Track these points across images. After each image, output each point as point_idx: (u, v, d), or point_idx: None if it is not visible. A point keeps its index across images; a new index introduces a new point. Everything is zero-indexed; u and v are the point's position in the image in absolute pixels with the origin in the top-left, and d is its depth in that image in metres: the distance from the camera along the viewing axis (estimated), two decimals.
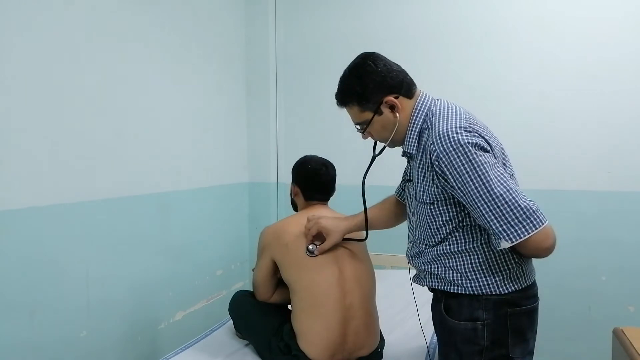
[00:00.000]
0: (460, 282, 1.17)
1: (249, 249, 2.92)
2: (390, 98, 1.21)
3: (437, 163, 1.11)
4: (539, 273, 1.25)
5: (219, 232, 2.64)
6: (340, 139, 2.67)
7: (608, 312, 2.31)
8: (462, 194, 1.09)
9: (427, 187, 1.18)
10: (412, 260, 1.32)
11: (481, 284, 1.14)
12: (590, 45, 2.31)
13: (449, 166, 1.09)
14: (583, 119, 2.34)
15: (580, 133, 2.34)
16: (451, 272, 1.18)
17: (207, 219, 2.53)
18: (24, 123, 1.53)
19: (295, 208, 1.76)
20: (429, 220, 1.21)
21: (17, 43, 1.51)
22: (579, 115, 2.34)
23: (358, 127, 1.30)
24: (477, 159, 1.06)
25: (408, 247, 1.36)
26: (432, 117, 1.18)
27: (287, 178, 2.40)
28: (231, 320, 1.80)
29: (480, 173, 1.06)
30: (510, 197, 1.04)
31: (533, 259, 1.21)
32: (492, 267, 1.15)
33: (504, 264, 1.14)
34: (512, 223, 1.04)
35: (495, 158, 1.11)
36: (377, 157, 1.35)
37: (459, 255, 1.17)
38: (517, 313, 1.15)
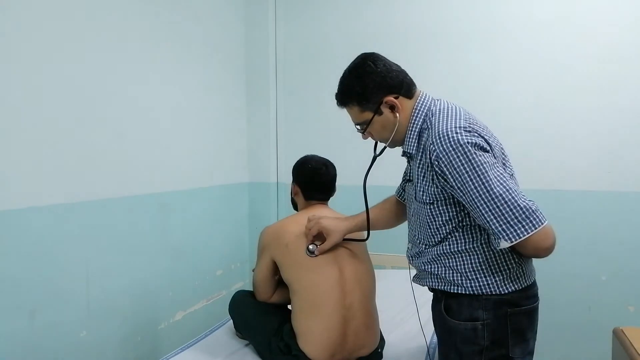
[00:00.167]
0: (460, 282, 1.17)
1: (249, 249, 2.92)
2: (390, 98, 1.21)
3: (436, 163, 1.11)
4: (539, 273, 1.25)
5: (219, 232, 2.65)
6: (340, 139, 2.67)
7: (608, 312, 2.31)
8: (461, 194, 1.09)
9: (426, 187, 1.18)
10: (412, 260, 1.32)
11: (481, 283, 1.14)
12: (591, 45, 2.31)
13: (448, 166, 1.09)
14: (583, 119, 2.34)
15: (580, 133, 2.34)
16: (451, 272, 1.18)
17: (207, 219, 2.53)
18: (24, 123, 1.53)
19: (296, 208, 1.77)
20: (428, 220, 1.21)
21: (16, 43, 1.51)
22: (579, 115, 2.34)
23: (358, 127, 1.30)
24: (476, 159, 1.06)
25: (408, 247, 1.36)
26: (432, 117, 1.18)
27: (287, 178, 2.40)
28: (231, 320, 1.80)
29: (479, 173, 1.06)
30: (510, 197, 1.04)
31: (533, 259, 1.21)
32: (492, 267, 1.15)
33: (504, 263, 1.14)
34: (512, 223, 1.04)
35: (495, 158, 1.11)
36: (377, 158, 1.35)
37: (459, 255, 1.17)
38: (517, 313, 1.14)
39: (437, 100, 1.25)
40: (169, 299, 2.23)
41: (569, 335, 2.37)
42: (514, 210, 1.03)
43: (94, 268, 1.78)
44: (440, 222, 1.18)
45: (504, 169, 1.14)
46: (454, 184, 1.09)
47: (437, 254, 1.21)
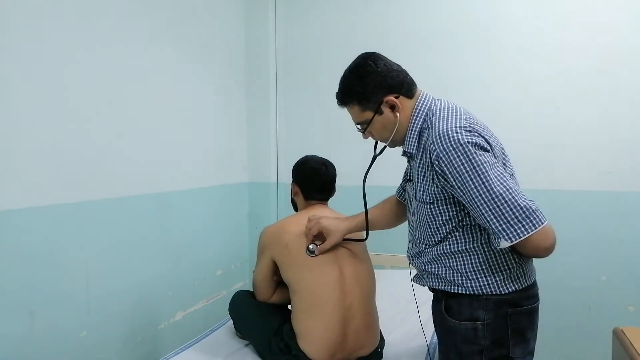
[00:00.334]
0: (460, 282, 1.17)
1: (249, 249, 2.92)
2: (391, 98, 1.21)
3: (437, 162, 1.11)
4: (539, 273, 1.25)
5: (219, 232, 2.64)
6: (340, 139, 2.67)
7: (608, 312, 2.31)
8: (461, 193, 1.09)
9: (427, 187, 1.18)
10: (413, 260, 1.32)
11: (481, 283, 1.14)
12: (591, 45, 2.31)
13: (448, 165, 1.09)
14: (583, 119, 2.34)
15: (580, 133, 2.34)
16: (451, 272, 1.18)
17: (207, 219, 2.53)
18: (24, 123, 1.53)
19: (296, 208, 1.77)
20: (428, 220, 1.21)
21: (17, 43, 1.51)
22: (579, 115, 2.34)
23: (359, 127, 1.30)
24: (476, 159, 1.06)
25: (408, 247, 1.36)
26: (432, 116, 1.18)
27: (287, 178, 2.40)
28: (231, 320, 1.80)
29: (479, 172, 1.06)
30: (510, 197, 1.04)
31: (533, 259, 1.21)
32: (493, 267, 1.15)
33: (505, 263, 1.14)
34: (512, 222, 1.04)
35: (495, 157, 1.11)
36: (377, 157, 1.35)
37: (459, 255, 1.17)
38: (517, 313, 1.14)
39: (438, 100, 1.25)
40: (169, 299, 2.23)
41: (569, 335, 2.37)
42: (514, 210, 1.03)
43: (94, 268, 1.78)
44: (441, 222, 1.18)
45: (504, 168, 1.14)
46: (454, 183, 1.09)
47: (437, 253, 1.21)
